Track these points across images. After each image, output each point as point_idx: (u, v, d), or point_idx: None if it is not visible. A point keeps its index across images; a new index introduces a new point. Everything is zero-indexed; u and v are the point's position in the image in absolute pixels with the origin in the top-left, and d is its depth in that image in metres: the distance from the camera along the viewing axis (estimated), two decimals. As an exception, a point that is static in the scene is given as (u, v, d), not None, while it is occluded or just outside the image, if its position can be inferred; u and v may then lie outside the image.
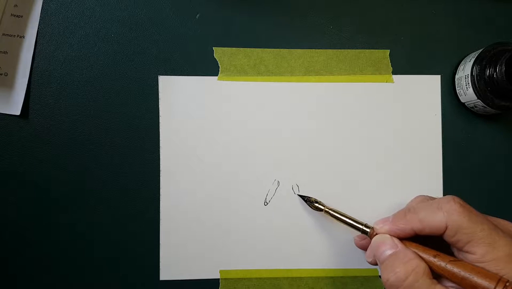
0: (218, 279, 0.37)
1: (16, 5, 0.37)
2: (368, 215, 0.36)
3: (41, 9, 0.37)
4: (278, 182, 0.37)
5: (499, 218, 0.30)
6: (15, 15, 0.37)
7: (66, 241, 0.37)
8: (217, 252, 0.37)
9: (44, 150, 0.37)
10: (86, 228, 0.37)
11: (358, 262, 0.37)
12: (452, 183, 0.37)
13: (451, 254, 0.29)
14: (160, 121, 0.37)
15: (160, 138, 0.37)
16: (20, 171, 0.37)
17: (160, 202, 0.37)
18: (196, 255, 0.37)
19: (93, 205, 0.37)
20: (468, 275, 0.26)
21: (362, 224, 0.33)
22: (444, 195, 0.37)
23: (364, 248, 0.36)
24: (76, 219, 0.37)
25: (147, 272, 0.37)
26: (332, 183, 0.37)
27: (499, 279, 0.25)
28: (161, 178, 0.37)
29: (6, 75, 0.37)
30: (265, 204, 0.37)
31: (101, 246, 0.37)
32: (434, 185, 0.37)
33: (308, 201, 0.36)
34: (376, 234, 0.31)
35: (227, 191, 0.37)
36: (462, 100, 0.37)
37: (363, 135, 0.37)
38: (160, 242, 0.37)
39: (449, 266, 0.27)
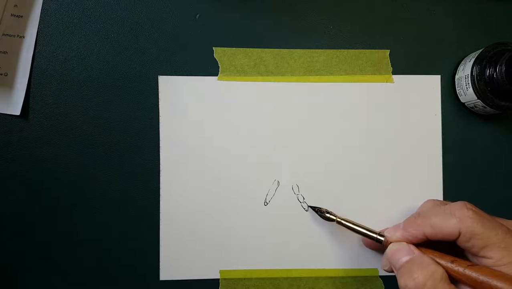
0: (218, 279, 0.37)
1: (16, 5, 0.37)
2: (368, 215, 0.36)
3: (41, 9, 0.37)
4: (278, 182, 0.37)
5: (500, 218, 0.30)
6: (15, 15, 0.37)
7: (66, 241, 0.37)
8: (217, 252, 0.37)
9: (44, 150, 0.37)
10: (86, 228, 0.37)
11: (358, 262, 0.37)
12: (452, 183, 0.37)
13: (465, 258, 0.29)
14: (160, 121, 0.37)
15: (160, 138, 0.37)
16: (20, 171, 0.37)
17: (160, 202, 0.37)
18: (196, 255, 0.37)
19: (93, 205, 0.37)
20: (487, 279, 0.26)
21: (375, 233, 0.33)
22: (444, 195, 0.37)
23: (372, 247, 0.36)
24: (76, 219, 0.37)
25: (147, 272, 0.37)
26: (332, 182, 0.37)
27: None
28: (161, 178, 0.37)
29: (6, 75, 0.37)
30: (265, 204, 0.37)
31: (101, 246, 0.37)
32: (434, 185, 0.37)
33: (319, 211, 0.36)
34: (391, 242, 0.31)
35: (227, 191, 0.37)
36: (462, 100, 0.37)
37: (363, 135, 0.37)
38: (160, 242, 0.37)
39: (468, 271, 0.27)
